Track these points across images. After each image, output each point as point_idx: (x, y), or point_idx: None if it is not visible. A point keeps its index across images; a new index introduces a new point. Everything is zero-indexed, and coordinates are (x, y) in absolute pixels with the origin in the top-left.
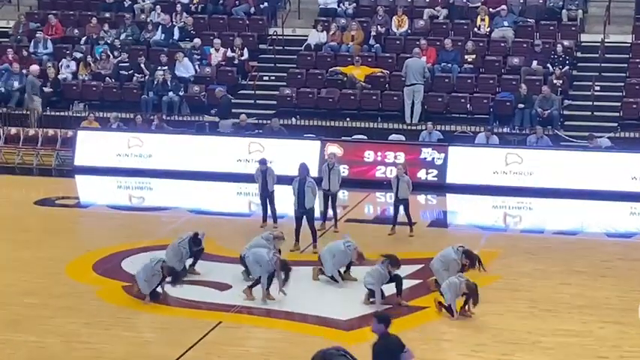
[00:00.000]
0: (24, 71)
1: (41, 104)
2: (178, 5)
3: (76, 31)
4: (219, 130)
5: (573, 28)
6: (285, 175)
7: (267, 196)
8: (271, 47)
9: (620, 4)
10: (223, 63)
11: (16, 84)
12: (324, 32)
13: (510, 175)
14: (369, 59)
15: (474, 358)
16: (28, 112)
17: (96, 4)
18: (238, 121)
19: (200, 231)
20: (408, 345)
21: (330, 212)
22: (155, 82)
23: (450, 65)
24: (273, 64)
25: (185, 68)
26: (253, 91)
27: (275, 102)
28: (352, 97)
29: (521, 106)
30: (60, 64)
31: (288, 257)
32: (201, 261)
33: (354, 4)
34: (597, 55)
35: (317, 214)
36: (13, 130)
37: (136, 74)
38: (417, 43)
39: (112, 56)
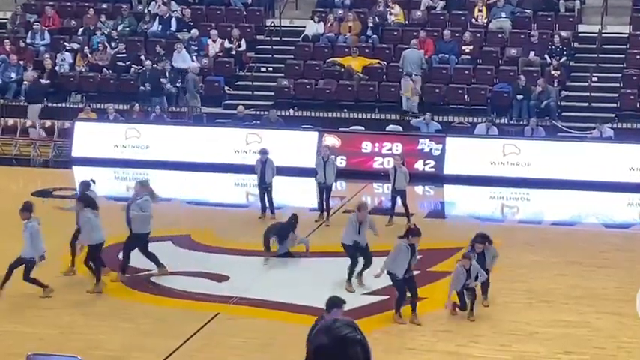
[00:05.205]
0: (21, 62)
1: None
2: None
3: (73, 22)
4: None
5: (571, 19)
6: (283, 166)
7: (265, 188)
8: (269, 38)
9: None
10: (221, 54)
11: (13, 75)
12: (322, 23)
13: (508, 166)
14: (367, 50)
15: (471, 348)
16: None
17: None
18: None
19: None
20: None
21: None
22: (148, 73)
23: (447, 56)
24: (270, 55)
25: (183, 59)
26: (251, 82)
27: (272, 93)
28: (350, 88)
29: (519, 97)
30: (57, 55)
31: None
32: (199, 252)
33: None
34: (595, 46)
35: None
36: (11, 122)
37: (133, 65)
38: (415, 34)
39: (109, 47)
